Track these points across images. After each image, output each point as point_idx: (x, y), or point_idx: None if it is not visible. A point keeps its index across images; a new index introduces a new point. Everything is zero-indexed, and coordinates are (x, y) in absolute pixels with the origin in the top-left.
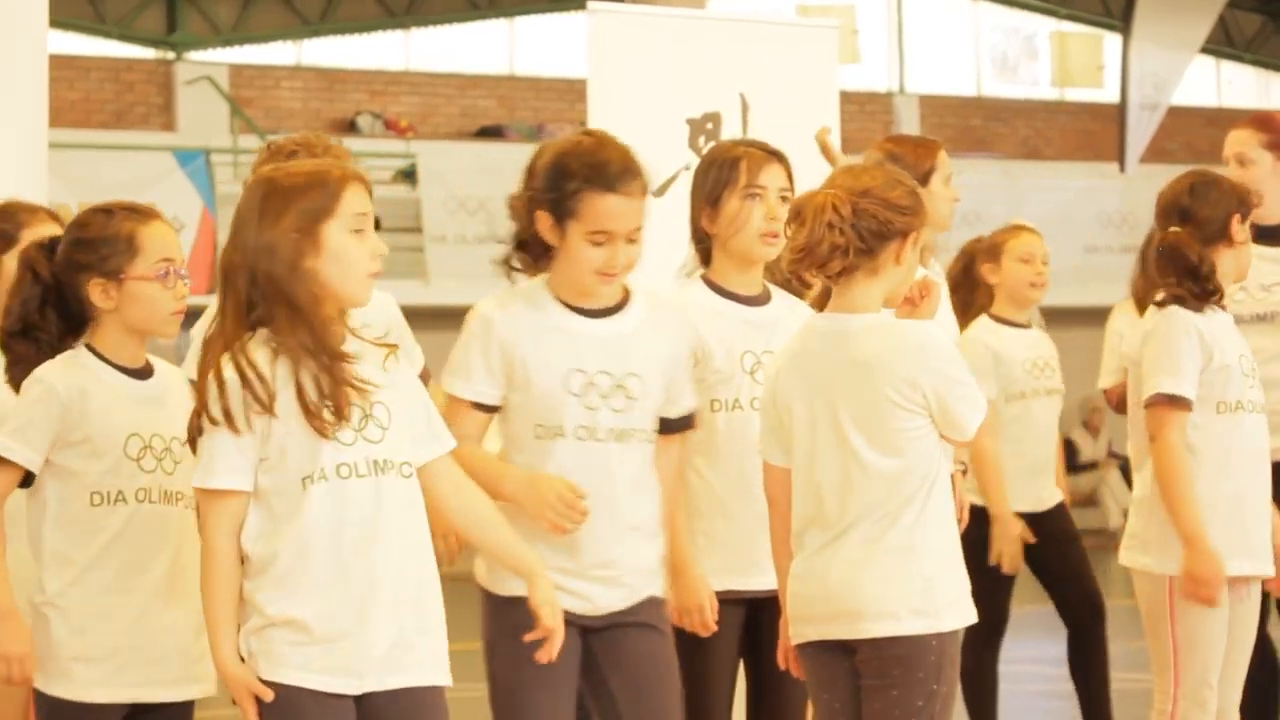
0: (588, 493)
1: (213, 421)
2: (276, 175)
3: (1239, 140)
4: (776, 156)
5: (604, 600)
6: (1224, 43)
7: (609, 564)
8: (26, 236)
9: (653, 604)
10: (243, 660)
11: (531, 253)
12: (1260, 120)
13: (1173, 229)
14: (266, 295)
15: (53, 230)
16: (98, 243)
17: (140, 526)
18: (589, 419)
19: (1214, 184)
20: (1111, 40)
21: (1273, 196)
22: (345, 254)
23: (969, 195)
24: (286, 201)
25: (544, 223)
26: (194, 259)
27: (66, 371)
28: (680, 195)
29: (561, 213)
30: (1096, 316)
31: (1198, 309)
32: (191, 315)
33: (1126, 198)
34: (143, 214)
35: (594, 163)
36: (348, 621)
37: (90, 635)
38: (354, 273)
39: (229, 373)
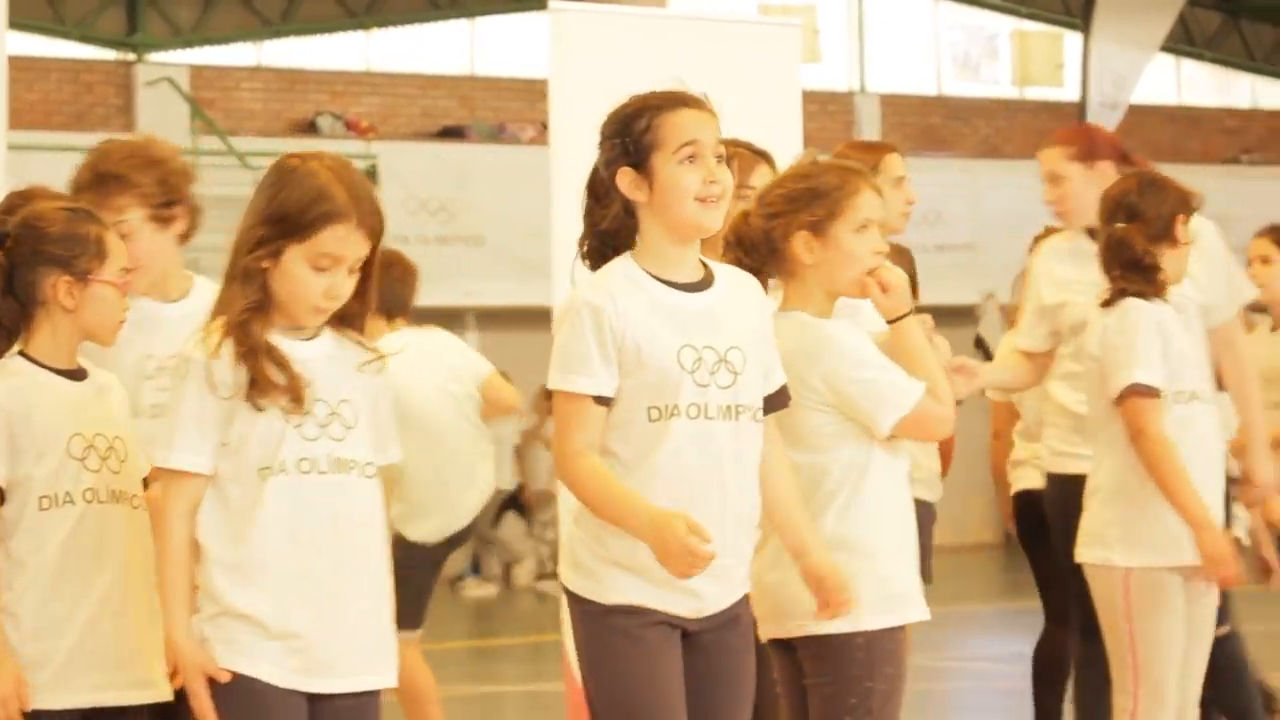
0: (712, 538)
1: (174, 402)
2: (291, 165)
3: (1048, 159)
4: (763, 157)
5: (712, 598)
6: (1184, 41)
7: (722, 549)
8: None
9: (745, 600)
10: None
11: (612, 241)
12: (1065, 136)
13: (1119, 225)
14: (241, 281)
15: None
16: (70, 240)
17: (90, 528)
18: (701, 396)
19: (1161, 184)
20: (1072, 39)
21: (1084, 204)
22: (298, 282)
23: (929, 194)
24: (273, 199)
25: (626, 179)
26: None
27: (6, 380)
28: None
29: (641, 153)
30: None
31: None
32: None
33: None
34: (100, 219)
35: (652, 95)
36: (304, 621)
37: (44, 641)
38: (302, 303)
39: (196, 353)
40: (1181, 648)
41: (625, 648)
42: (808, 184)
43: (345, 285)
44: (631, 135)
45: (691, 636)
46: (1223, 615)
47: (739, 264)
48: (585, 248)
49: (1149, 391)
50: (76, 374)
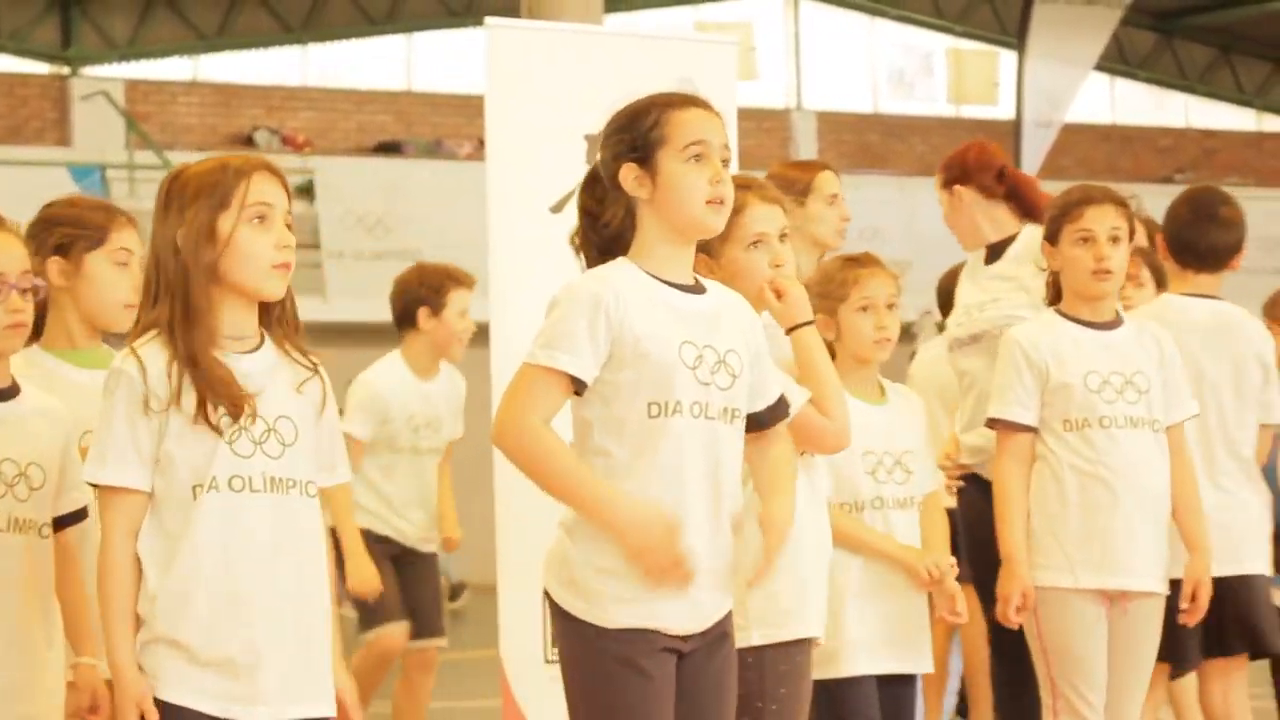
0: (688, 544)
1: (107, 418)
2: (179, 171)
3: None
4: None
5: (710, 606)
6: (1118, 60)
7: (714, 551)
8: None
9: (730, 616)
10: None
11: (616, 243)
12: (941, 164)
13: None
14: (170, 292)
15: None
16: (70, 222)
17: None
18: (703, 394)
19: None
20: (1007, 57)
21: (963, 228)
22: (243, 246)
23: (866, 211)
24: (183, 197)
25: (630, 175)
26: None
27: None
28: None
29: (647, 149)
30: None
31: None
32: None
33: None
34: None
35: (661, 93)
36: (236, 648)
37: None
38: (254, 265)
39: (127, 366)
40: (1095, 663)
41: (619, 673)
42: None
43: (288, 235)
44: (638, 130)
45: (684, 658)
46: (1184, 653)
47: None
48: (583, 245)
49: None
50: (3, 393)
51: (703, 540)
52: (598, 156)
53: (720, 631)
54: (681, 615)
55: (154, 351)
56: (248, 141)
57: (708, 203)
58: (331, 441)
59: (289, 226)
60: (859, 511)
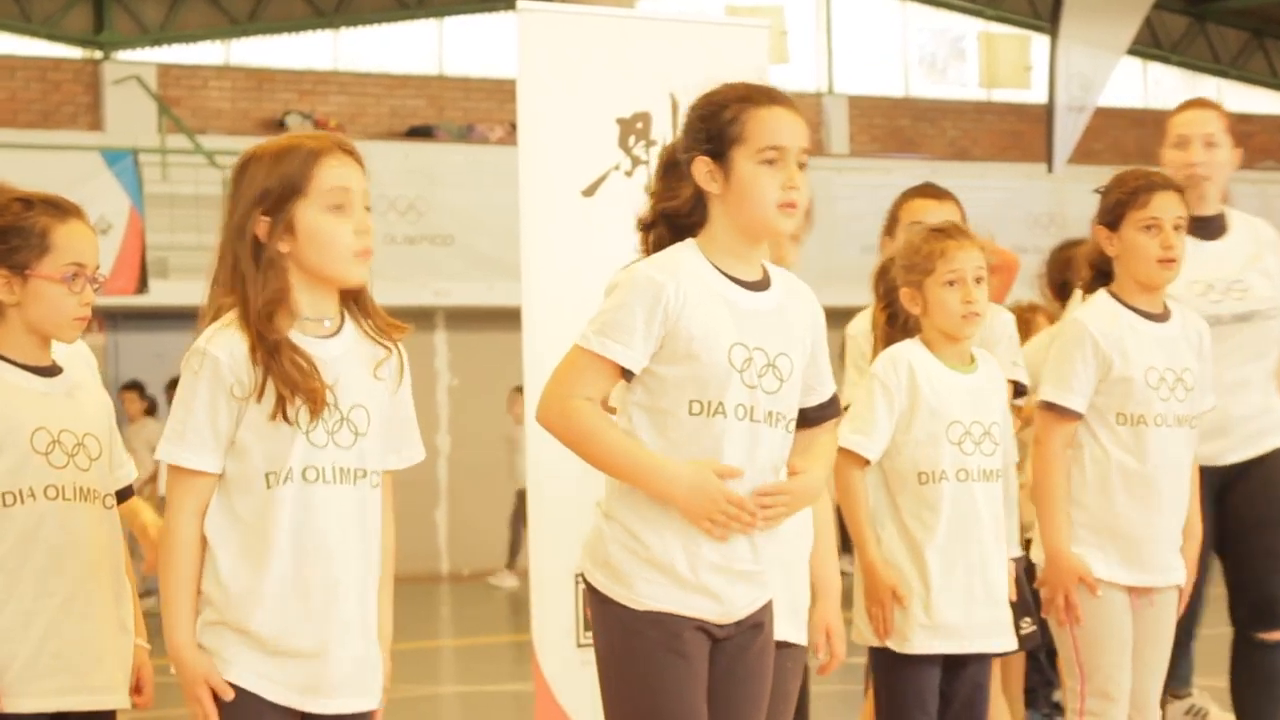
0: (743, 502)
1: (187, 398)
2: (252, 154)
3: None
4: None
5: (743, 601)
6: (1150, 44)
7: (755, 557)
8: None
9: (769, 607)
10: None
11: (678, 223)
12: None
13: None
14: (245, 279)
15: None
16: (9, 232)
17: (53, 526)
18: (749, 397)
19: None
20: (1039, 41)
21: (1220, 188)
22: (320, 233)
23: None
24: (254, 181)
25: (702, 168)
26: (122, 259)
27: None
28: (612, 194)
29: (722, 144)
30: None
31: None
32: (117, 314)
33: (1054, 198)
34: (62, 211)
35: (745, 86)
36: (306, 640)
37: (7, 643)
38: (334, 253)
39: (212, 348)
40: (1123, 653)
41: (655, 655)
42: None
43: (366, 219)
44: (716, 124)
45: (718, 643)
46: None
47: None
48: (647, 225)
49: (1052, 408)
50: (48, 370)
51: (740, 543)
52: (674, 139)
53: (757, 621)
54: (713, 610)
55: (234, 338)
56: (279, 126)
57: (779, 206)
58: (403, 423)
59: (367, 208)
60: (937, 483)
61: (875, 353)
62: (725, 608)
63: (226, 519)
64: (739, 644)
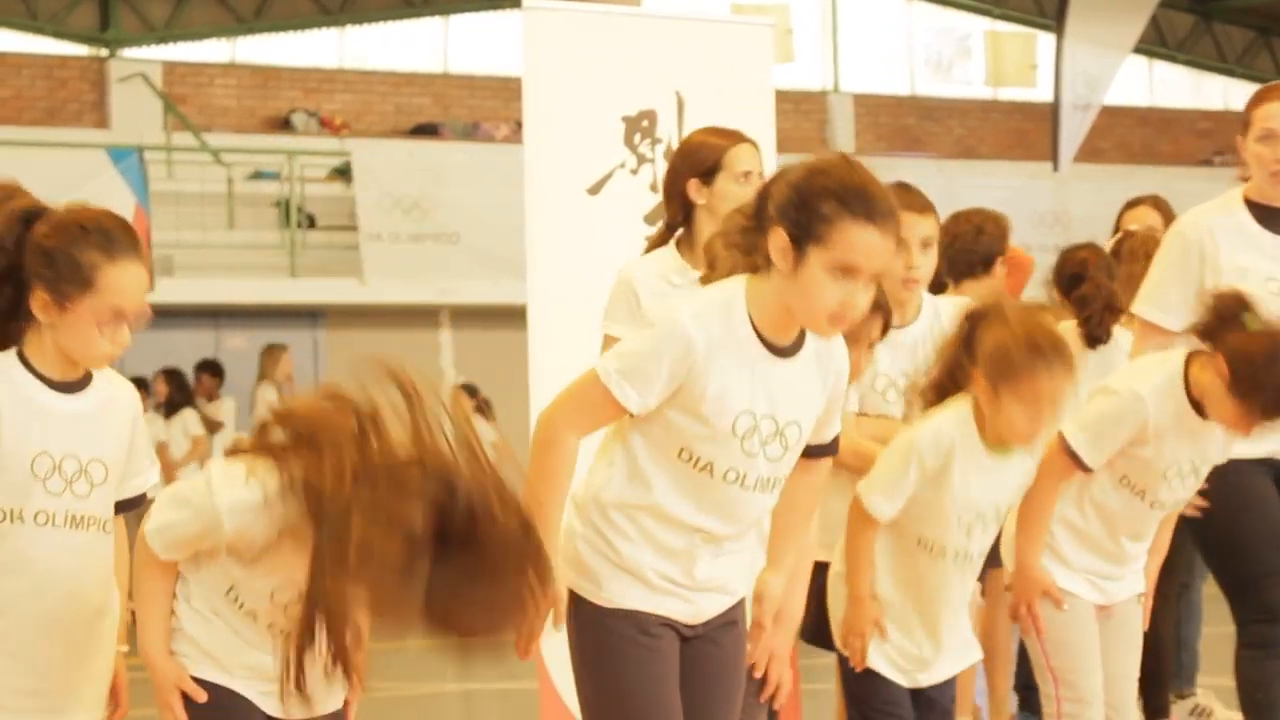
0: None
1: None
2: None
3: None
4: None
5: (711, 606)
6: (1156, 42)
7: (717, 578)
8: None
9: (740, 605)
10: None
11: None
12: None
13: None
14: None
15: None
16: (57, 258)
17: (38, 552)
18: (743, 464)
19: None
20: (1045, 40)
21: None
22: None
23: None
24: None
25: (778, 243)
26: None
27: None
28: (617, 192)
29: (805, 236)
30: None
31: None
32: None
33: (1060, 197)
34: (116, 246)
35: (854, 186)
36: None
37: None
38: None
39: None
40: (1093, 652)
41: (625, 648)
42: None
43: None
44: (808, 208)
45: (687, 640)
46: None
47: (709, 282)
48: (719, 260)
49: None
50: (72, 386)
51: (704, 568)
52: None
53: (727, 620)
54: (682, 611)
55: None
56: (285, 123)
57: (830, 316)
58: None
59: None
60: (933, 556)
61: (932, 396)
62: (694, 609)
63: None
64: (710, 639)
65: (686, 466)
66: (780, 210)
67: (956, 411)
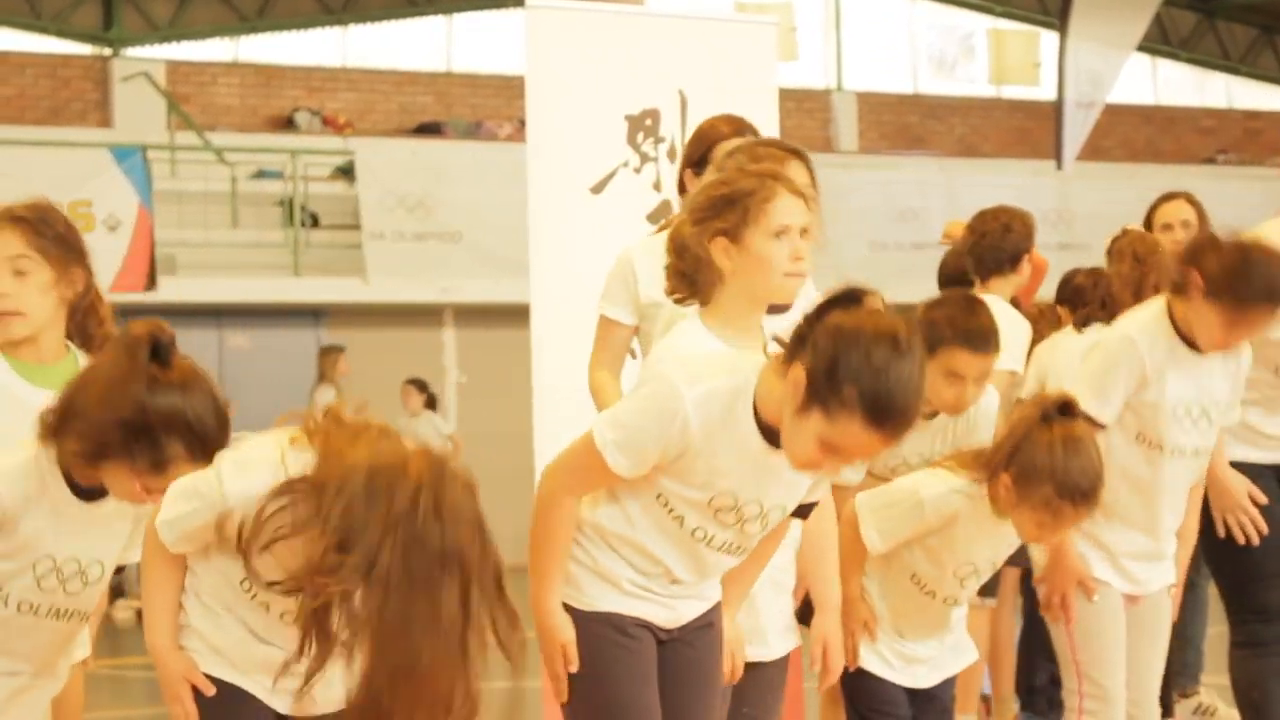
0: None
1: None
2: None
3: None
4: (796, 154)
5: (688, 611)
6: (1160, 41)
7: (700, 590)
8: None
9: (717, 608)
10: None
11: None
12: None
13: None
14: None
15: None
16: (150, 438)
17: (16, 633)
18: (720, 534)
19: None
20: (1048, 38)
21: None
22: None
23: (906, 192)
24: None
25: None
26: (130, 256)
27: (19, 480)
28: (620, 191)
29: (818, 397)
30: None
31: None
32: (126, 312)
33: (1063, 195)
34: (203, 455)
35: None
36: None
37: None
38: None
39: None
40: (1119, 646)
41: (603, 648)
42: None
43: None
44: (833, 383)
45: (664, 643)
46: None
47: (677, 270)
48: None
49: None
50: (95, 493)
51: (682, 588)
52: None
53: (706, 621)
54: (660, 615)
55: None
56: (288, 123)
57: (809, 460)
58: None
59: None
60: (924, 594)
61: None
62: (672, 614)
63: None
64: (687, 642)
65: (662, 511)
66: (813, 355)
67: (966, 484)
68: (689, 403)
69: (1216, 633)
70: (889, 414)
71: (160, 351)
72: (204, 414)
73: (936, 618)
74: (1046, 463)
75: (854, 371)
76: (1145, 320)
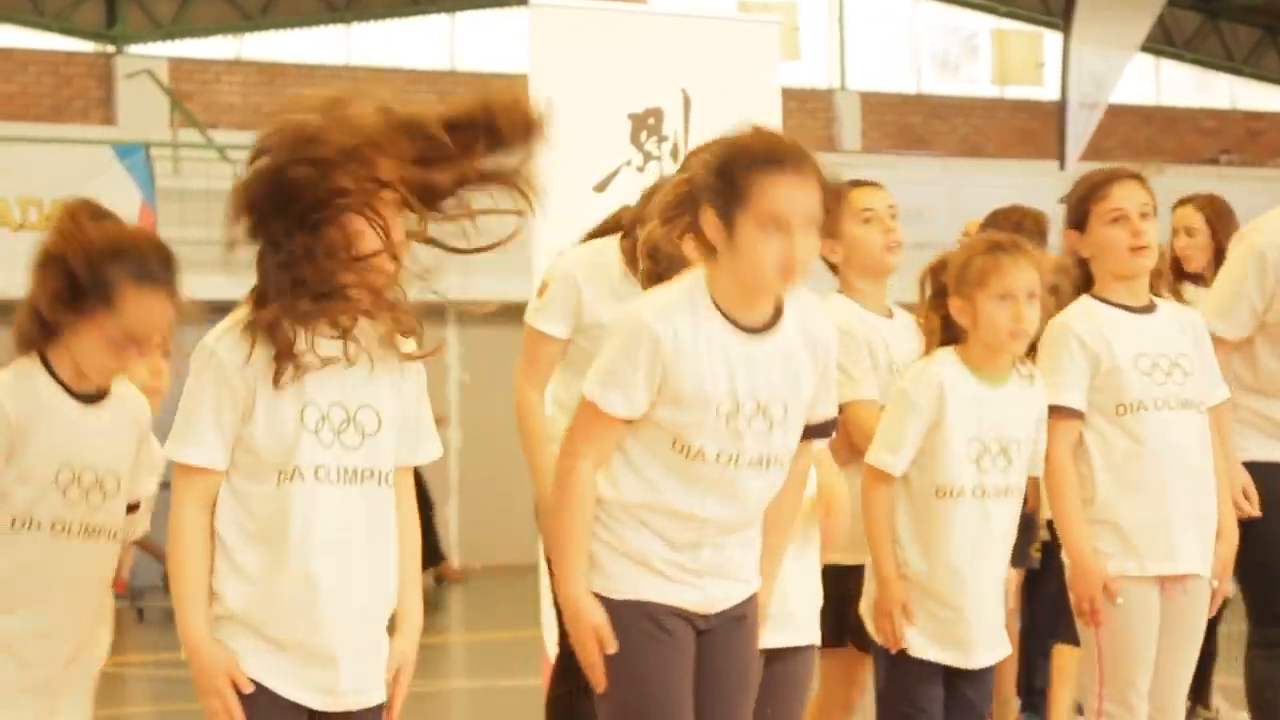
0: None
1: (190, 394)
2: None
3: None
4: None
5: (721, 593)
6: (1163, 41)
7: (724, 565)
8: None
9: (752, 600)
10: None
11: (661, 265)
12: None
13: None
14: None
15: None
16: (86, 267)
17: (51, 561)
18: (733, 445)
19: None
20: (1051, 38)
21: None
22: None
23: (909, 192)
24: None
25: (710, 221)
26: None
27: (16, 391)
28: (624, 189)
29: (729, 205)
30: None
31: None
32: None
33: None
34: (148, 276)
35: (759, 146)
36: (316, 638)
37: None
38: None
39: (221, 348)
40: (1147, 655)
41: (639, 639)
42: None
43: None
44: (727, 179)
45: (701, 634)
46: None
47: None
48: (653, 255)
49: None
50: (92, 397)
51: (710, 556)
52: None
53: (740, 614)
54: (693, 599)
55: (243, 334)
56: None
57: (775, 271)
58: (416, 420)
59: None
60: (954, 499)
61: (927, 351)
62: (704, 596)
63: (237, 512)
64: (721, 636)
65: (681, 458)
66: (704, 190)
67: (942, 354)
68: (651, 318)
69: (1225, 632)
70: (782, 151)
71: (97, 214)
72: (138, 237)
73: (974, 538)
74: (964, 253)
75: (734, 157)
76: (1070, 308)
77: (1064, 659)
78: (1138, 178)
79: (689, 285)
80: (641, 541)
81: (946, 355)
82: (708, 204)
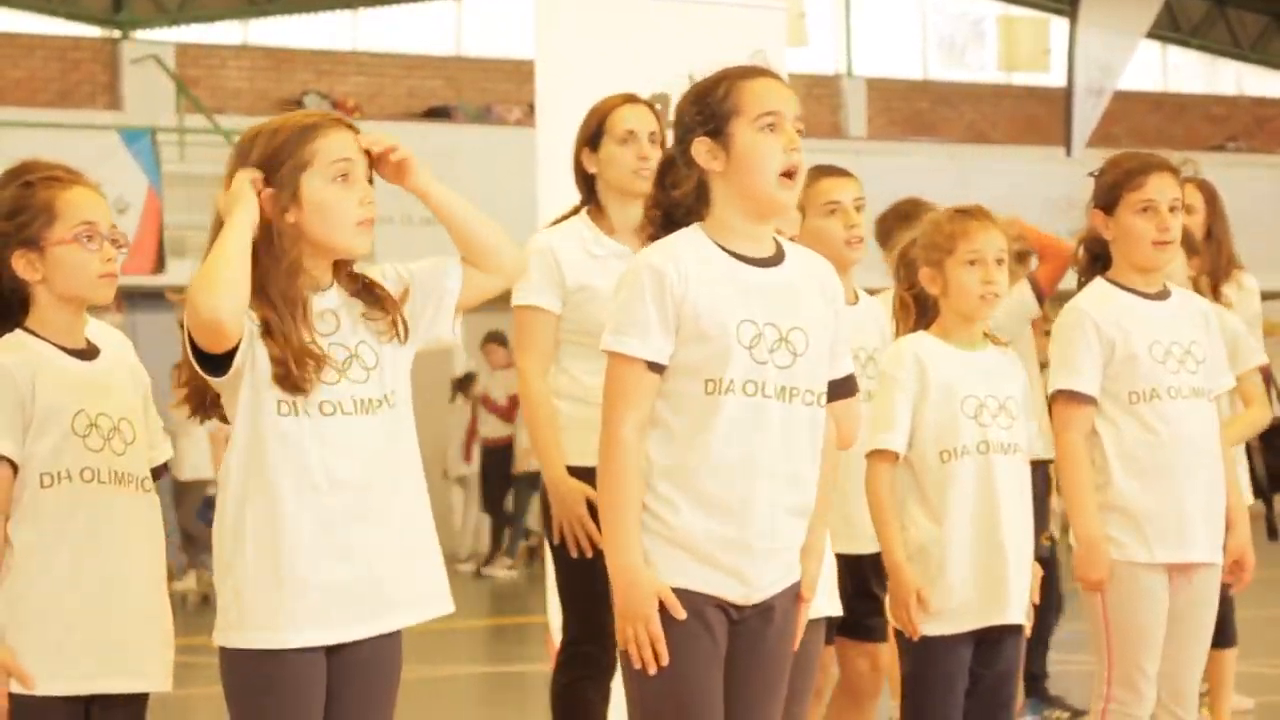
0: (684, 614)
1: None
2: (255, 131)
3: None
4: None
5: (766, 580)
6: (1170, 27)
7: (773, 533)
8: None
9: (791, 591)
10: None
11: (680, 213)
12: None
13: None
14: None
15: None
16: (14, 211)
17: (89, 509)
18: (759, 373)
19: None
20: (1058, 24)
21: None
22: (327, 205)
23: (915, 178)
24: (261, 155)
25: (703, 148)
26: (139, 238)
27: (13, 353)
28: None
29: (719, 120)
30: None
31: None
32: (134, 294)
33: (1073, 182)
34: (62, 180)
35: (731, 66)
36: (340, 570)
37: (37, 626)
38: (340, 223)
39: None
40: (1156, 639)
41: (674, 634)
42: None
43: (370, 190)
44: (710, 102)
45: (734, 625)
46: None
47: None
48: (652, 218)
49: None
50: (85, 352)
51: (763, 516)
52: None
53: (770, 605)
54: (735, 590)
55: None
56: (298, 105)
57: (780, 175)
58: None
59: (370, 181)
60: (959, 458)
61: (898, 336)
62: (747, 589)
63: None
64: (754, 627)
65: (713, 399)
66: (690, 125)
67: (911, 334)
68: (654, 259)
69: (1240, 617)
70: (750, 66)
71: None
72: (28, 166)
73: (988, 499)
74: (929, 224)
75: (711, 83)
76: (1086, 290)
77: (1222, 664)
78: (1173, 170)
79: (687, 232)
80: (689, 518)
81: (918, 334)
82: (698, 134)
